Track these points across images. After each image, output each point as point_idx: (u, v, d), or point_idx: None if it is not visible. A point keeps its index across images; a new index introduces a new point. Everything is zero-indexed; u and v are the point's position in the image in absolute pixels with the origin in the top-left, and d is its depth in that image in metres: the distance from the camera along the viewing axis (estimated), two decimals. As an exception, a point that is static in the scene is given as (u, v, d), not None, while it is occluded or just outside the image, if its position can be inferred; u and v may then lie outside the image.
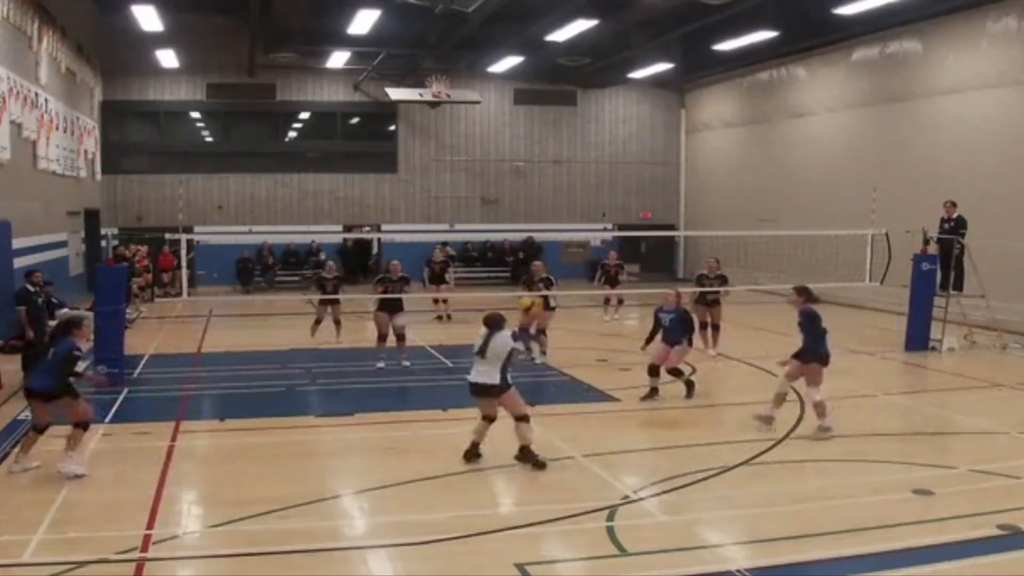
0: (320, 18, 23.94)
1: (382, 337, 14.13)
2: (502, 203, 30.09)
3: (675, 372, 12.05)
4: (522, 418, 8.93)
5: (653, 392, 11.97)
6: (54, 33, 20.41)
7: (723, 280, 15.75)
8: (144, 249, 23.13)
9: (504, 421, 10.82)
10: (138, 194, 27.64)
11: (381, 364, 14.04)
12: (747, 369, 14.36)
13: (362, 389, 13.14)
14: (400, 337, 14.21)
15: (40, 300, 13.24)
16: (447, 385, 12.74)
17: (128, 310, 19.48)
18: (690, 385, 12.13)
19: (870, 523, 7.32)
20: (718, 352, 15.49)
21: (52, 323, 15.59)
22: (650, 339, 12.63)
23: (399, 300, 14.17)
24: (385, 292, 14.13)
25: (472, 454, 9.06)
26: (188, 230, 25.78)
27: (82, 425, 8.68)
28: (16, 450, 8.93)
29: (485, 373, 8.85)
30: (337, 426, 10.88)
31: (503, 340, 8.85)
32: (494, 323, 8.97)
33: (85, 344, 9.29)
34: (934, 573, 6.52)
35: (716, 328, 15.65)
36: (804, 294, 10.61)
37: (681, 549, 6.84)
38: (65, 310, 16.49)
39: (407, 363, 14.15)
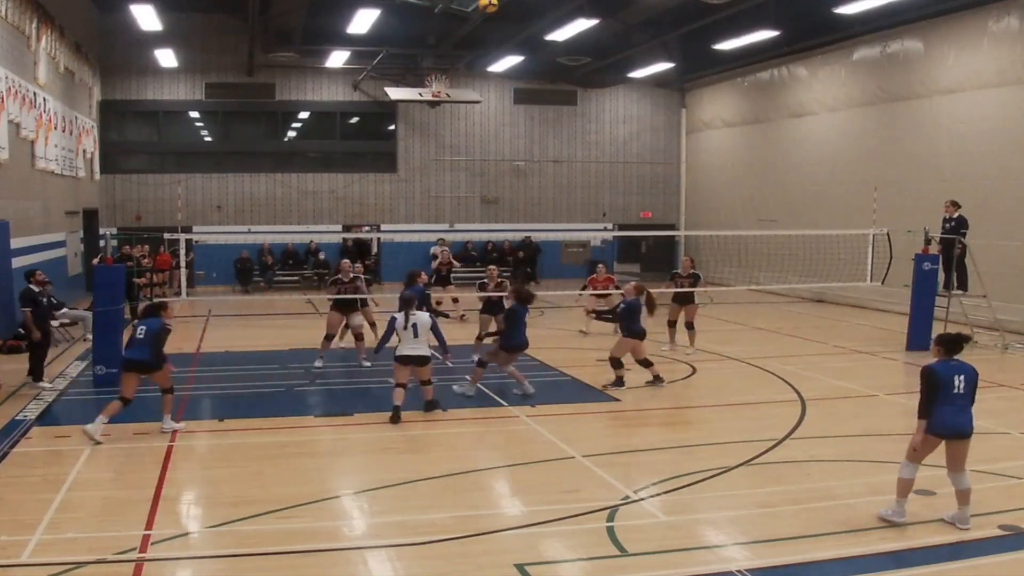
0: (319, 17, 23.93)
1: (329, 337, 14.48)
2: (502, 203, 30.08)
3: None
4: (428, 381, 11.00)
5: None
6: (52, 32, 20.39)
7: (696, 279, 15.79)
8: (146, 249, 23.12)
9: (504, 424, 10.82)
10: (137, 194, 27.63)
11: (320, 363, 14.27)
12: (748, 369, 14.34)
13: (362, 389, 13.12)
14: (357, 336, 14.61)
15: (44, 300, 13.18)
16: (447, 385, 12.72)
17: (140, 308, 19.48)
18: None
19: (870, 523, 7.31)
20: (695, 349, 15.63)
21: (52, 324, 15.72)
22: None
23: (353, 300, 14.62)
24: (339, 293, 14.52)
25: (397, 418, 10.53)
26: (187, 230, 25.79)
27: (169, 390, 10.31)
28: (100, 416, 9.80)
29: (420, 347, 10.79)
30: (337, 426, 10.87)
31: (423, 318, 10.91)
32: (408, 303, 11.04)
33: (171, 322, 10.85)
34: (935, 573, 6.51)
35: (690, 326, 15.74)
36: (639, 290, 12.80)
37: (681, 549, 6.82)
38: (65, 310, 16.57)
39: (367, 363, 14.19)
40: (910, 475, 7.28)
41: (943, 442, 7.25)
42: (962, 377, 7.23)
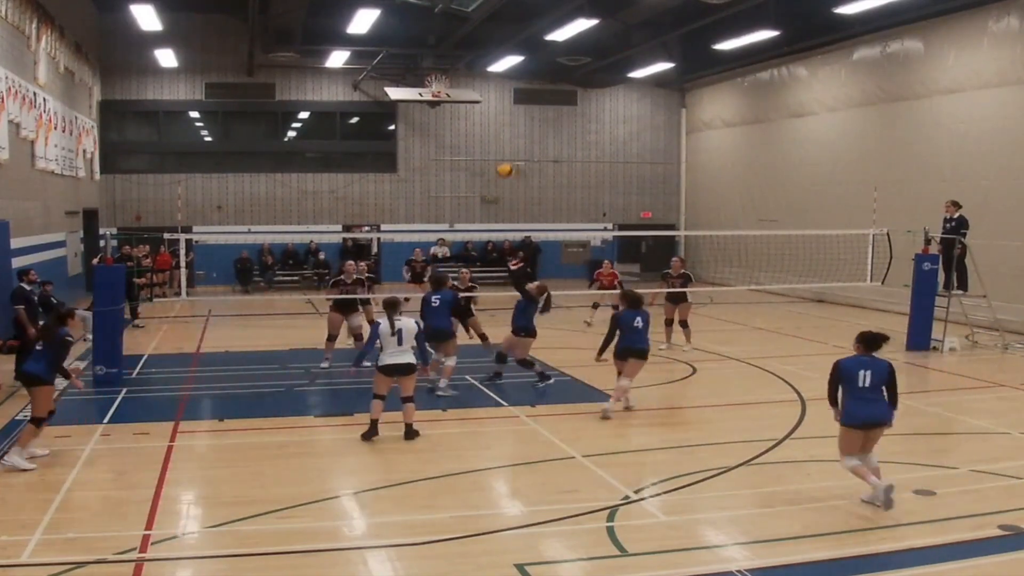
0: (319, 17, 23.94)
1: (331, 338, 14.35)
2: (502, 203, 30.08)
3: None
4: (410, 398, 10.05)
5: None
6: (52, 32, 20.38)
7: (686, 279, 16.03)
8: (146, 249, 23.13)
9: (504, 424, 10.82)
10: (137, 194, 27.63)
11: (326, 364, 14.15)
12: (748, 369, 14.34)
13: (362, 389, 13.06)
14: (357, 337, 14.58)
15: (36, 297, 13.23)
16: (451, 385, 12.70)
17: (139, 308, 19.54)
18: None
19: (870, 523, 7.31)
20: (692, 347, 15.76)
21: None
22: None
23: (353, 301, 14.55)
24: (340, 294, 14.46)
25: (373, 433, 9.88)
26: (187, 230, 25.79)
27: (37, 421, 9.08)
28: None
29: (405, 355, 9.97)
30: (337, 426, 10.86)
31: (409, 324, 10.07)
32: (392, 305, 10.19)
33: (77, 335, 10.08)
34: (935, 573, 6.50)
35: (684, 324, 15.93)
36: (542, 291, 12.72)
37: (681, 549, 6.82)
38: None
39: (367, 363, 14.02)
40: (854, 464, 7.71)
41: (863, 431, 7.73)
42: (868, 372, 7.69)
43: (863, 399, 7.69)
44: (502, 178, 14.75)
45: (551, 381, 12.63)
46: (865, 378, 7.68)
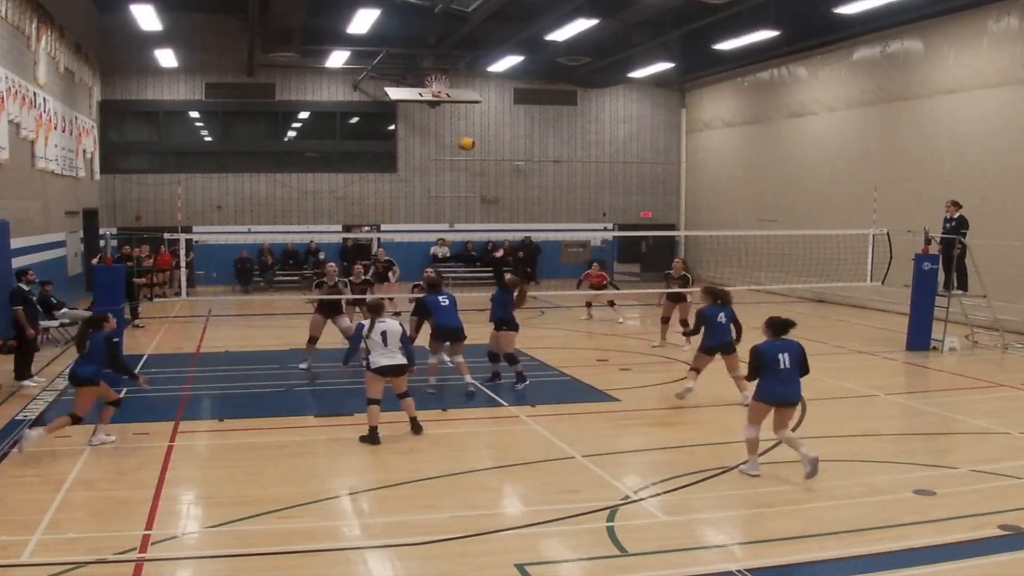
0: (319, 17, 23.94)
1: (312, 340, 14.29)
2: (502, 203, 30.08)
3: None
4: (406, 393, 10.22)
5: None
6: (52, 32, 20.39)
7: (686, 280, 16.45)
8: (147, 249, 23.13)
9: (504, 424, 10.79)
10: (137, 194, 27.63)
11: (304, 365, 14.07)
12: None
13: (361, 389, 13.09)
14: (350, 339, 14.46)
15: (35, 298, 13.24)
16: (446, 385, 12.70)
17: (139, 308, 19.56)
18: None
19: (871, 523, 7.31)
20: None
21: (51, 323, 15.74)
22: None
23: (338, 303, 14.53)
24: (325, 294, 14.45)
25: (375, 441, 9.81)
26: (187, 230, 25.79)
27: (74, 418, 9.56)
28: (95, 425, 9.78)
29: (394, 356, 10.01)
30: (337, 426, 10.86)
31: (393, 325, 10.06)
32: (376, 308, 10.27)
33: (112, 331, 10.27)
34: (935, 573, 6.50)
35: (684, 323, 16.13)
36: (515, 284, 12.96)
37: (681, 549, 6.82)
38: (65, 310, 16.58)
39: (364, 363, 14.07)
40: (753, 435, 8.59)
41: (773, 409, 8.52)
42: (786, 354, 8.46)
43: (782, 380, 8.42)
44: (464, 149, 15.18)
45: (527, 383, 12.59)
46: (785, 360, 8.41)
